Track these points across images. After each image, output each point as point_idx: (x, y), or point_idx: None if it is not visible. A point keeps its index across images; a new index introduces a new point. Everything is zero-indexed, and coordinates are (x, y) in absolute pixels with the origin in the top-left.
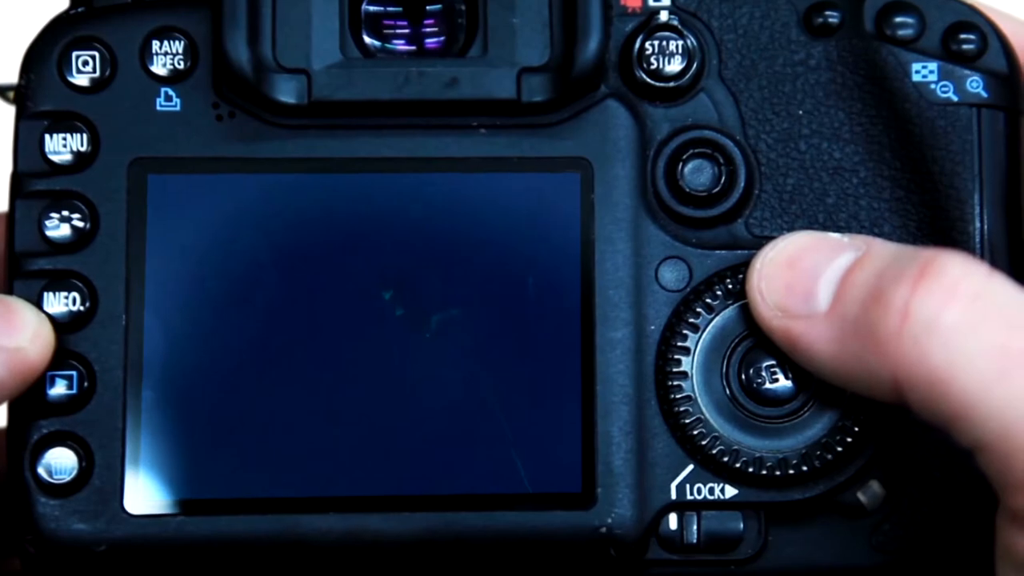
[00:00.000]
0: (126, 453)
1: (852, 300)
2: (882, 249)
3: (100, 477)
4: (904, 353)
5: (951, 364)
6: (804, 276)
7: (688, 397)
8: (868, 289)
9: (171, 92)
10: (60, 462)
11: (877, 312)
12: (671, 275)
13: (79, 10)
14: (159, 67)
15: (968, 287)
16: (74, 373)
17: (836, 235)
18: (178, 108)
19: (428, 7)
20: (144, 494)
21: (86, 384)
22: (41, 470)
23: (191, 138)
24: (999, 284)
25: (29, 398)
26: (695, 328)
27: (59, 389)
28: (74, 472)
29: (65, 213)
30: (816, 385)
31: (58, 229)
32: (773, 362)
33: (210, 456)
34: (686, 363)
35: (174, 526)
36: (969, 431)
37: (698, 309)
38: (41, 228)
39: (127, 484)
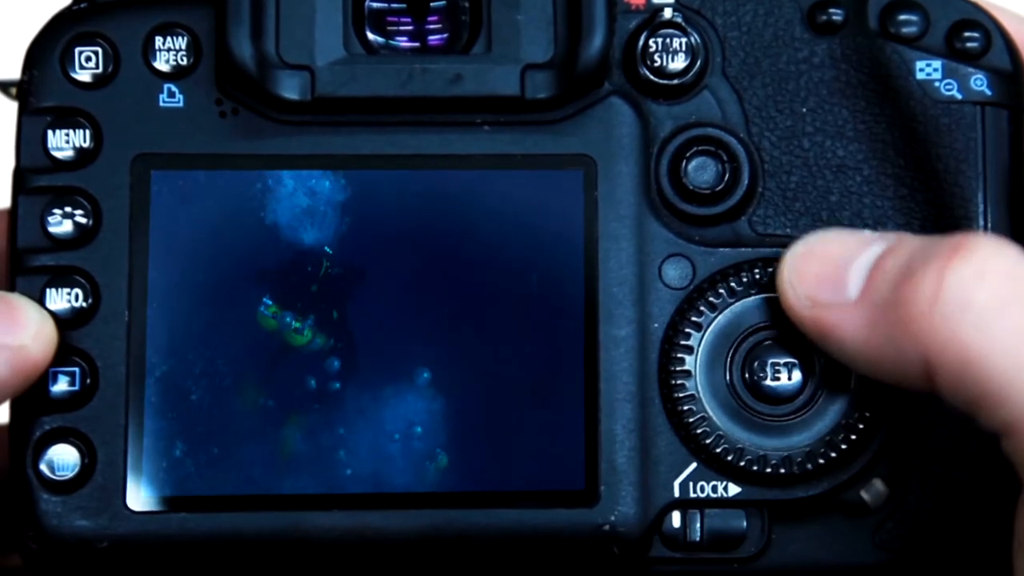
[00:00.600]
0: (128, 450)
1: (884, 284)
2: (913, 238)
3: (102, 474)
4: (935, 332)
5: (982, 343)
6: (835, 265)
7: (691, 395)
8: (900, 271)
9: (174, 88)
10: (62, 459)
11: (908, 291)
12: (674, 273)
13: (82, 6)
14: (162, 63)
15: (1000, 266)
16: (77, 369)
17: (868, 231)
18: (181, 104)
19: (432, 4)
20: (146, 491)
21: (88, 381)
22: (43, 467)
23: (194, 134)
24: None
25: (32, 394)
26: (698, 326)
27: (62, 386)
28: (76, 469)
29: (68, 209)
30: (820, 383)
31: (61, 225)
32: (776, 360)
33: (213, 453)
34: (689, 361)
35: (176, 523)
36: (997, 412)
37: (701, 307)
38: (44, 224)
39: (129, 481)
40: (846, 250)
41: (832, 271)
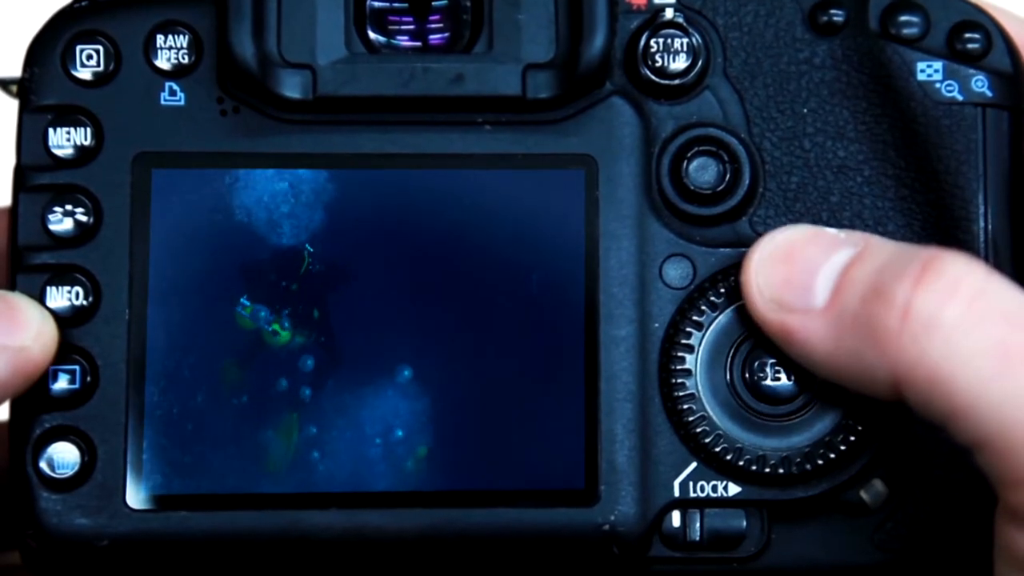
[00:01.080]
0: (128, 448)
1: (851, 296)
2: (881, 246)
3: (102, 472)
4: (904, 350)
5: (951, 362)
6: (801, 270)
7: (692, 395)
8: (868, 285)
9: (175, 86)
10: (62, 457)
11: (877, 309)
12: (675, 273)
13: (83, 3)
14: (163, 61)
15: (968, 286)
16: (77, 368)
17: (833, 230)
18: (182, 103)
19: (433, 3)
20: (146, 489)
21: (89, 379)
22: (43, 464)
23: (195, 133)
24: (998, 283)
25: (32, 393)
26: (699, 326)
27: (62, 384)
28: (76, 467)
29: (68, 207)
30: (819, 383)
31: (61, 223)
32: (776, 360)
33: (212, 451)
34: (690, 361)
35: (176, 521)
36: (968, 429)
37: (702, 307)
38: (44, 222)
39: (129, 479)
40: (814, 253)
41: (799, 275)
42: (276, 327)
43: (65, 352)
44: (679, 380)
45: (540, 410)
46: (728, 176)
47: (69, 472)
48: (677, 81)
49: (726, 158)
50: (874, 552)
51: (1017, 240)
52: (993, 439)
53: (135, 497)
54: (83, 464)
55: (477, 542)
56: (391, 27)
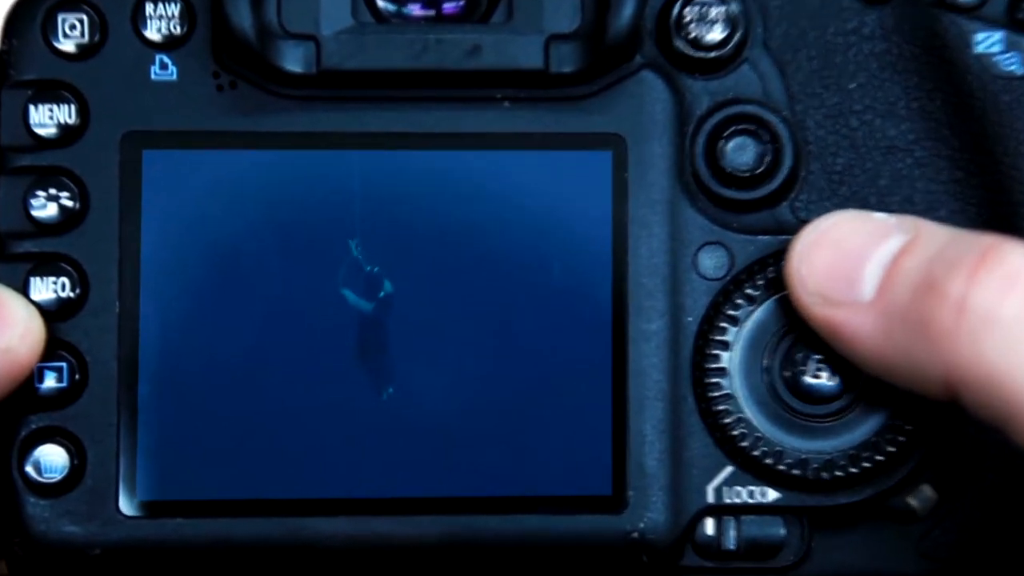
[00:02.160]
0: (120, 450)
1: (902, 289)
2: (934, 233)
3: (93, 476)
4: (960, 349)
5: (1010, 361)
6: (848, 260)
7: (727, 395)
8: (920, 277)
9: (167, 59)
10: (50, 459)
11: (930, 303)
12: (710, 262)
13: None
14: (153, 32)
15: None
16: (64, 365)
17: (882, 215)
18: (174, 77)
19: None
20: (140, 494)
21: (77, 376)
22: (30, 468)
23: (189, 110)
24: None
25: (17, 392)
26: (735, 320)
27: (49, 382)
28: (65, 470)
29: (52, 191)
30: (865, 381)
31: (45, 208)
32: (818, 356)
33: (210, 455)
34: (725, 358)
35: (172, 529)
36: None
37: (738, 300)
38: (26, 207)
39: (122, 484)
40: (861, 242)
41: (846, 266)
42: (275, 320)
43: (52, 348)
44: (714, 379)
45: (565, 410)
46: (768, 157)
47: (57, 476)
48: (713, 54)
49: (766, 138)
50: (918, 561)
51: None
52: None
53: (128, 503)
54: (72, 468)
55: (498, 550)
56: None
